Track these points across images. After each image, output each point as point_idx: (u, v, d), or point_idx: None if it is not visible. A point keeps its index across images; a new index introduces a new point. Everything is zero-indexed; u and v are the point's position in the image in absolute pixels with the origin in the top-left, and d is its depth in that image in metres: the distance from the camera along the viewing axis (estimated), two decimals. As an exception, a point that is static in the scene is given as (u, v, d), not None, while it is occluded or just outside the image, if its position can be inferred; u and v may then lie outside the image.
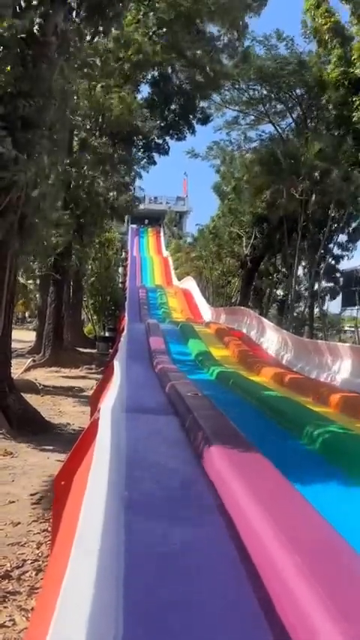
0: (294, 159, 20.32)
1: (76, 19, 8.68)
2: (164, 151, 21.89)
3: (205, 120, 22.42)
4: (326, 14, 18.18)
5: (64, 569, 1.24)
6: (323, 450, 4.37)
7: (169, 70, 20.64)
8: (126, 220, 36.28)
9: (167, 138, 22.06)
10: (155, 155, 22.42)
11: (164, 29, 18.71)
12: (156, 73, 21.16)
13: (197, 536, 2.49)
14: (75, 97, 9.90)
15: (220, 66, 19.63)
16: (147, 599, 1.81)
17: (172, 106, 21.63)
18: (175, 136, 21.98)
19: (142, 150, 21.91)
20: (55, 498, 3.53)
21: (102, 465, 1.91)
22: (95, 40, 11.48)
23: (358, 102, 16.32)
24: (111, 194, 17.24)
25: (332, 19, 17.80)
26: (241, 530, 2.43)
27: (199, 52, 18.79)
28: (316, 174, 19.55)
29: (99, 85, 14.67)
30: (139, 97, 21.25)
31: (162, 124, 21.47)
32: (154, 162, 22.68)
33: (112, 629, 1.40)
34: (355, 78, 16.40)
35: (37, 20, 7.35)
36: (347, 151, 17.65)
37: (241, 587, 2.01)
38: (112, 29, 11.02)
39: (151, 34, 18.97)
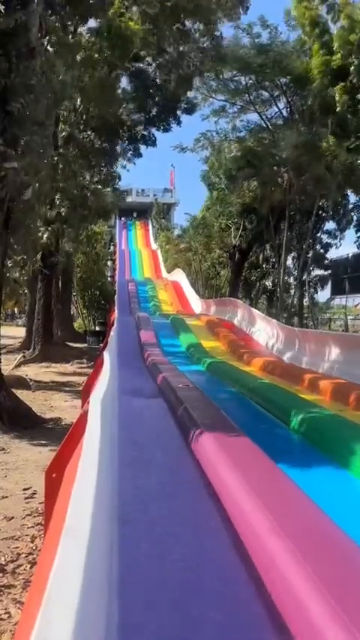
0: (278, 149, 20.32)
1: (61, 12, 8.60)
2: (151, 142, 21.71)
3: (191, 109, 22.18)
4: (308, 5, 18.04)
5: (53, 561, 1.23)
6: (310, 436, 4.43)
7: (151, 61, 20.41)
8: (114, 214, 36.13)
9: (152, 129, 21.85)
10: (142, 147, 22.25)
11: (148, 23, 18.53)
12: (140, 65, 20.93)
13: (189, 522, 2.50)
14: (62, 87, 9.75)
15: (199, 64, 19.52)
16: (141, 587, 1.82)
17: (156, 98, 21.40)
18: (161, 128, 21.78)
19: (127, 142, 21.74)
20: (47, 491, 3.53)
21: (91, 455, 1.90)
22: (79, 30, 11.36)
23: (337, 91, 16.34)
24: (98, 186, 17.15)
25: (313, 12, 17.71)
26: (232, 516, 2.45)
27: (180, 49, 18.63)
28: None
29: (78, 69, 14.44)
30: (119, 91, 21.05)
31: (146, 116, 21.28)
32: (140, 155, 22.51)
33: (103, 620, 1.40)
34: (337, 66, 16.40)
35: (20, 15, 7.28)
36: (328, 144, 17.64)
37: (235, 573, 2.02)
38: (96, 20, 10.87)
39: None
